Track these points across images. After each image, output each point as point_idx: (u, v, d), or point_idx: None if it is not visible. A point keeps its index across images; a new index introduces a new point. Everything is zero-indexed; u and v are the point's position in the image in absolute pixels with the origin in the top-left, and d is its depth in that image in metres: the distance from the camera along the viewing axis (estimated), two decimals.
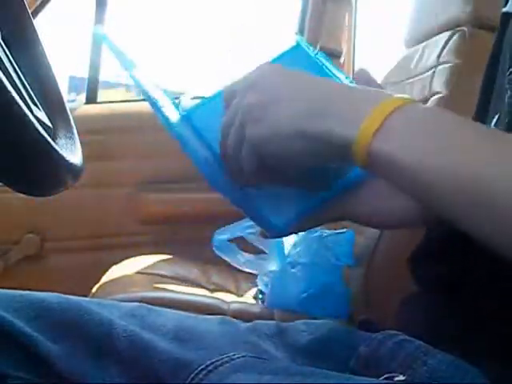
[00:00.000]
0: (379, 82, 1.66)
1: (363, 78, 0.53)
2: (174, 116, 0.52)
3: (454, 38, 1.22)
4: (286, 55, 0.57)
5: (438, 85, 1.20)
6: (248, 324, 0.57)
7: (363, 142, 0.39)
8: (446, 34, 1.25)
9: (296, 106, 0.43)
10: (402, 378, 0.39)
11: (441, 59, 1.24)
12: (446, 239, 0.52)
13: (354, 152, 0.40)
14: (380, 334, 0.44)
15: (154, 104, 0.52)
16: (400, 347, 0.42)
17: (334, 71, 0.56)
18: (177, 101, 0.55)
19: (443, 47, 1.24)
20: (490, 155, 0.36)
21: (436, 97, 1.19)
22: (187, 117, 0.54)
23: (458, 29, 1.23)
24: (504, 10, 0.62)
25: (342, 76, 0.56)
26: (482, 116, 0.61)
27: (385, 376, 0.39)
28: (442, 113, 0.41)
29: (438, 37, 1.30)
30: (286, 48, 0.58)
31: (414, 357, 0.40)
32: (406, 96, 0.41)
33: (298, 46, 0.58)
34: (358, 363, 0.44)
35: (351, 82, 0.55)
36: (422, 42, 1.37)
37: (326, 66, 0.57)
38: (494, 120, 0.56)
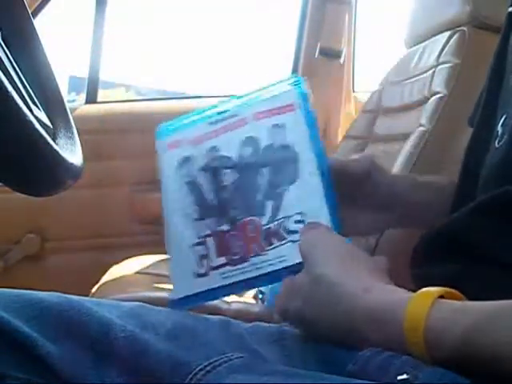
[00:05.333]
0: (379, 82, 1.65)
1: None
2: None
3: (454, 37, 1.22)
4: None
5: (438, 85, 1.20)
6: (248, 326, 0.57)
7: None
8: (446, 34, 1.25)
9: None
10: (405, 376, 0.39)
11: (441, 59, 1.24)
12: (445, 238, 0.52)
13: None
14: (367, 351, 0.44)
15: None
16: (388, 363, 0.42)
17: None
18: None
19: (443, 47, 1.24)
20: None
21: (436, 97, 1.19)
22: None
23: (458, 29, 1.22)
24: (510, 9, 0.62)
25: None
26: (487, 116, 0.61)
27: None
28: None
29: (438, 37, 1.29)
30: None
31: (402, 372, 0.40)
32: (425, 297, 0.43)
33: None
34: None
35: None
36: (422, 42, 1.37)
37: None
38: (502, 120, 0.56)
